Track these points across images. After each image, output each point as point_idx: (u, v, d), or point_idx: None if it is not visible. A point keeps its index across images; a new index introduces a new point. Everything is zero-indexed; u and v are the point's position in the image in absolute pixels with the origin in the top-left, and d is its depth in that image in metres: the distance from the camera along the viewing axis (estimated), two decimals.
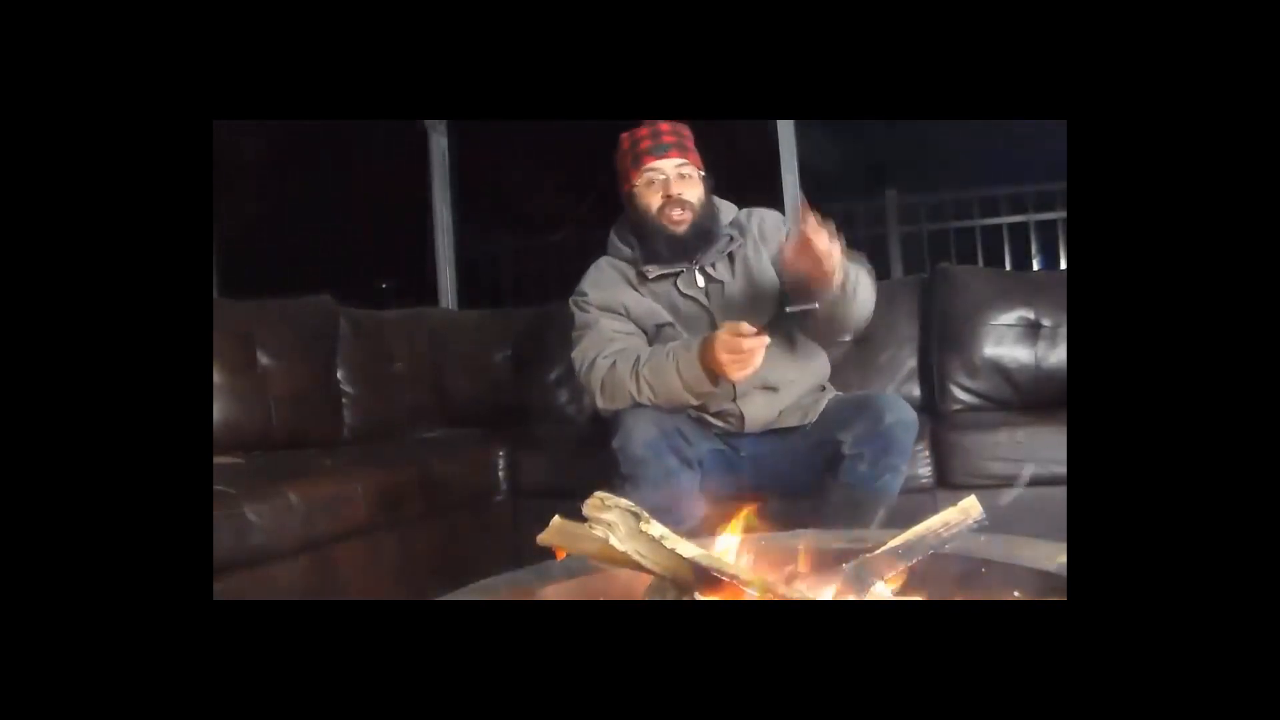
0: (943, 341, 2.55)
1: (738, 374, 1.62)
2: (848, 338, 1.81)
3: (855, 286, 1.67)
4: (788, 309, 1.59)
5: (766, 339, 1.59)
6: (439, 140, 3.58)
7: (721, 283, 1.84)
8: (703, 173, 1.86)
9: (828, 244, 1.54)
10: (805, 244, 1.54)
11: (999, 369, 2.49)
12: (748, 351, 1.58)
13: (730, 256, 1.86)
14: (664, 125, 1.84)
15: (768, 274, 1.84)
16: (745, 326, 1.59)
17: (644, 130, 1.84)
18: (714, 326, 1.76)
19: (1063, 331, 2.44)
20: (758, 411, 1.81)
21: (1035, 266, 4.27)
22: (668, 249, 1.82)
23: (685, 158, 1.83)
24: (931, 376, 2.57)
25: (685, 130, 1.87)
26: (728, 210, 1.94)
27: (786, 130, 3.20)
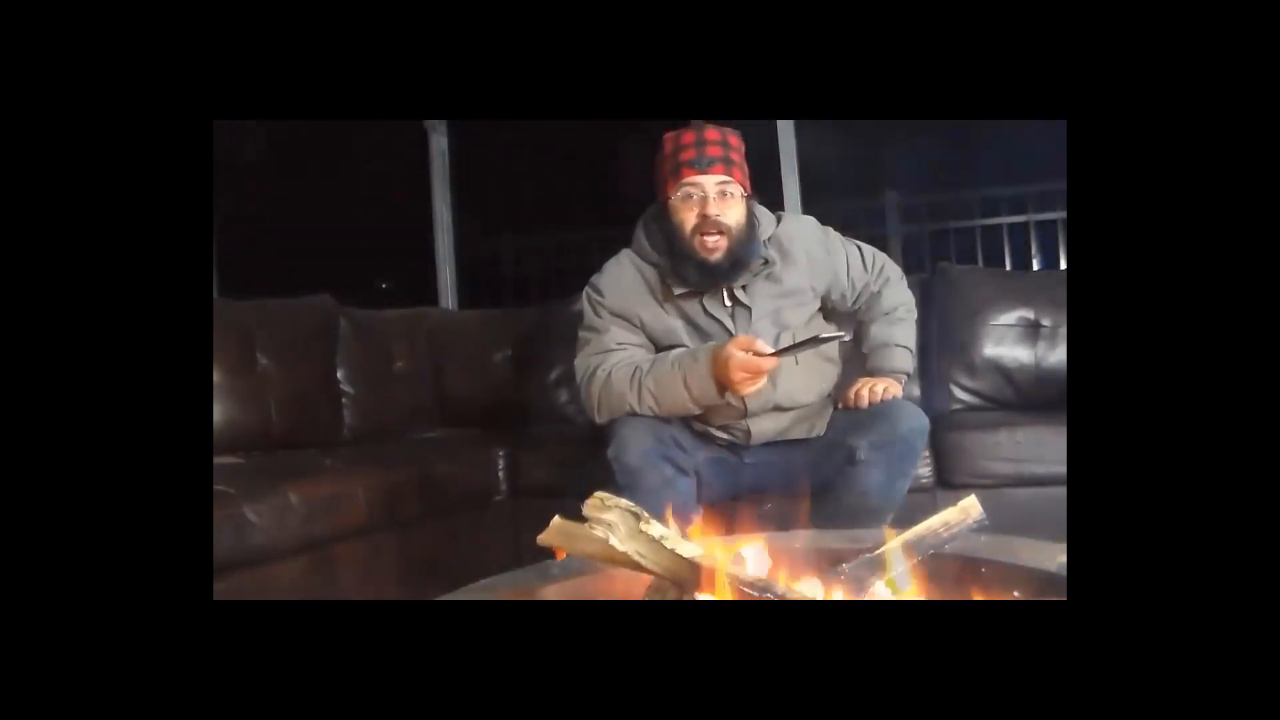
0: (943, 341, 2.55)
1: (747, 390, 1.58)
2: None
3: (914, 346, 1.91)
4: (821, 336, 1.53)
5: (779, 361, 1.55)
6: (439, 140, 3.58)
7: (749, 308, 1.74)
8: (747, 191, 1.72)
9: (874, 395, 1.79)
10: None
11: (999, 369, 2.49)
12: (763, 371, 1.55)
13: (760, 276, 1.75)
14: (712, 133, 1.69)
15: (796, 296, 1.77)
16: (760, 344, 1.55)
17: (689, 136, 1.69)
18: None
19: (1063, 331, 2.44)
20: (765, 427, 1.77)
21: (1035, 266, 4.26)
22: (697, 275, 1.70)
23: (729, 174, 1.67)
24: (931, 376, 2.57)
25: (734, 140, 1.72)
26: (766, 221, 1.79)
27: (786, 130, 3.20)
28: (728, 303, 1.74)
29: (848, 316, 1.93)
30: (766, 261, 1.75)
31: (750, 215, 1.73)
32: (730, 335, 1.72)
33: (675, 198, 1.69)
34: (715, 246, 1.67)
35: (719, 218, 1.66)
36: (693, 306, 1.75)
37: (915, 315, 1.95)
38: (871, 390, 1.79)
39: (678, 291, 1.74)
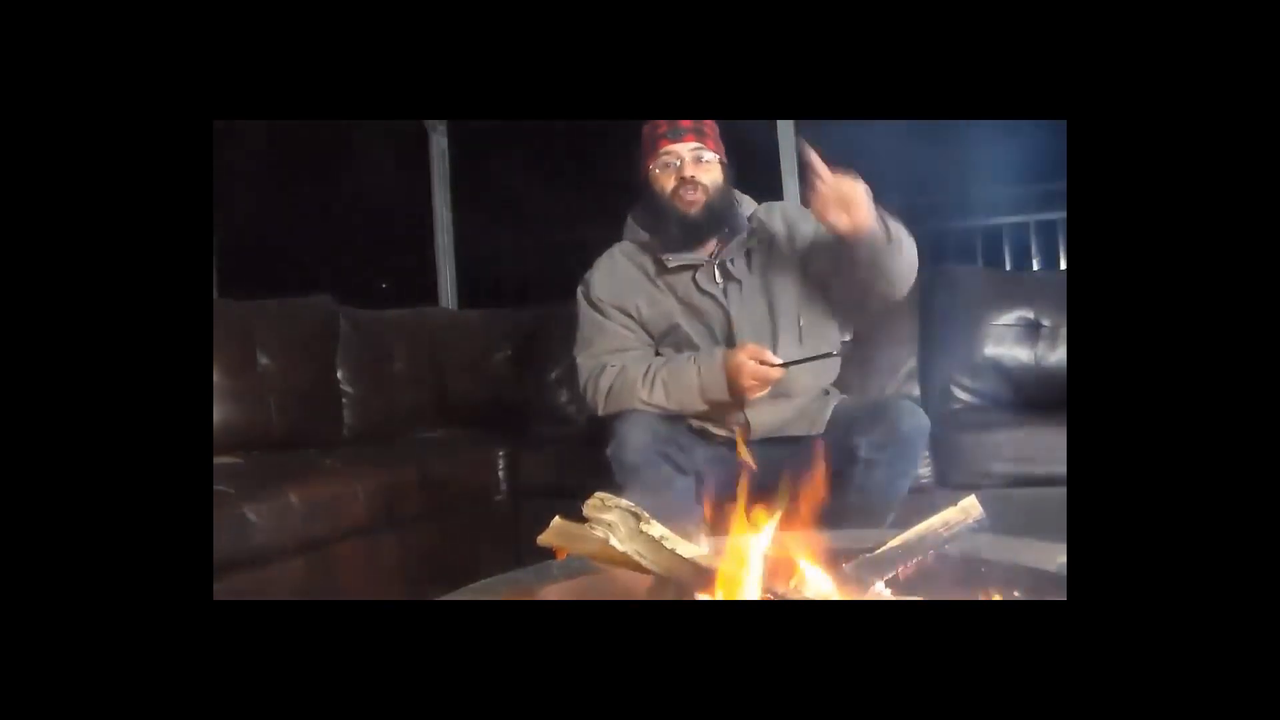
0: (943, 341, 2.55)
1: (755, 396, 1.69)
2: (898, 297, 1.73)
3: (900, 236, 1.62)
4: (834, 352, 1.67)
5: (785, 371, 1.65)
6: (439, 140, 3.58)
7: (740, 282, 1.80)
8: (723, 160, 1.82)
9: (846, 187, 1.53)
10: (825, 192, 1.53)
11: (999, 369, 2.49)
12: (772, 380, 1.65)
13: (749, 254, 1.83)
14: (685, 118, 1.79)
15: (787, 272, 1.82)
16: (769, 355, 1.64)
17: (664, 120, 1.80)
18: (729, 326, 1.77)
19: (1063, 331, 2.44)
20: (764, 418, 1.79)
21: (1035, 266, 4.26)
22: (681, 231, 1.79)
23: (701, 141, 1.78)
24: (931, 376, 2.57)
25: (709, 123, 1.82)
26: (746, 205, 1.89)
27: (786, 130, 3.20)
28: (719, 279, 1.80)
29: (848, 313, 1.93)
30: (752, 233, 1.83)
31: (728, 180, 1.83)
32: (723, 308, 1.80)
33: (654, 168, 1.80)
34: (694, 200, 1.77)
35: (695, 177, 1.77)
36: (685, 285, 1.82)
37: (908, 249, 1.69)
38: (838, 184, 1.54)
39: (671, 265, 1.81)
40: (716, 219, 1.80)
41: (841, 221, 1.54)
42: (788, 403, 1.79)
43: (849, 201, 1.53)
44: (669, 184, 1.78)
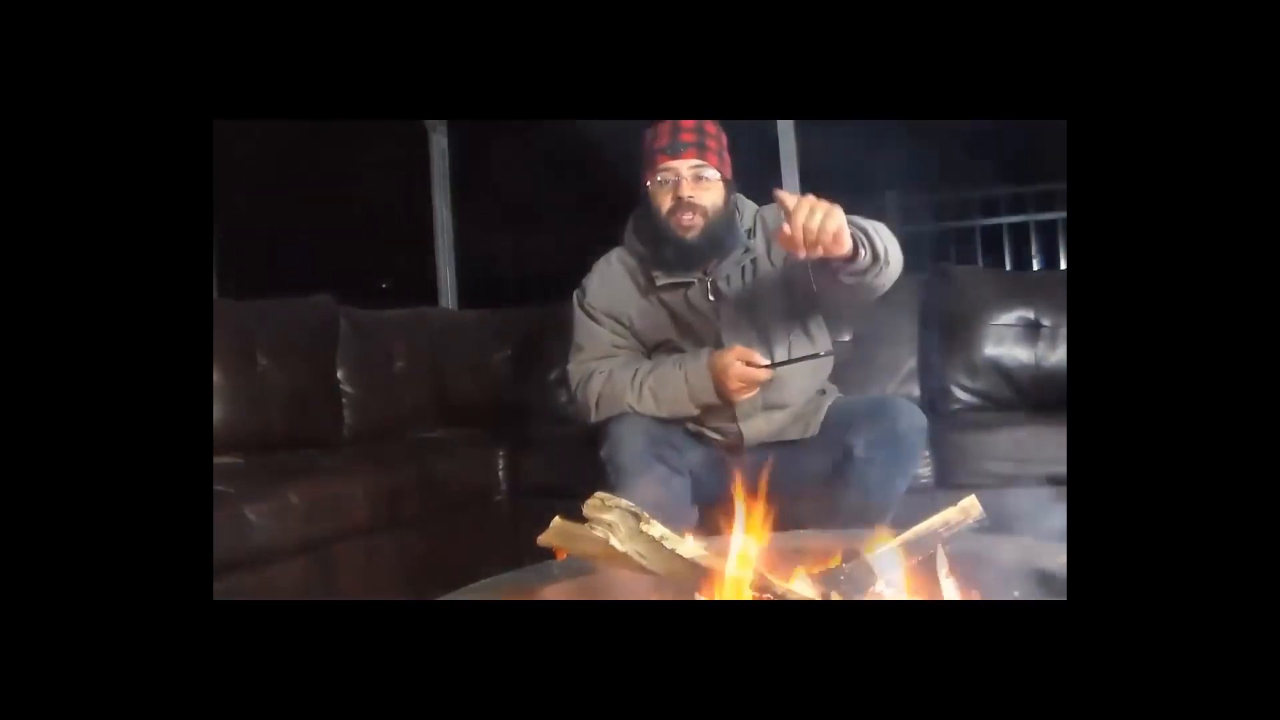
0: (943, 341, 2.55)
1: (742, 399, 1.67)
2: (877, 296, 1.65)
3: (886, 252, 1.53)
4: (821, 353, 1.64)
5: (773, 373, 1.64)
6: (439, 140, 3.57)
7: (732, 298, 1.76)
8: (726, 177, 1.74)
9: (813, 219, 1.40)
10: (794, 230, 1.41)
11: (999, 369, 2.48)
12: (759, 382, 1.64)
13: (743, 268, 1.78)
14: (687, 123, 1.71)
15: (779, 283, 1.78)
16: (756, 356, 1.63)
17: (665, 127, 1.73)
18: (721, 342, 1.74)
19: (1063, 331, 2.44)
20: (758, 429, 1.77)
21: (1035, 266, 4.26)
22: (675, 255, 1.74)
23: (703, 158, 1.70)
24: (931, 376, 2.57)
25: (712, 130, 1.74)
26: (747, 211, 1.83)
27: (786, 130, 3.20)
28: (711, 296, 1.77)
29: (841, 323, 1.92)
30: (747, 250, 1.78)
31: (729, 200, 1.76)
32: (715, 327, 1.76)
33: (653, 184, 1.74)
34: (690, 225, 1.70)
35: (693, 199, 1.70)
36: (678, 300, 1.79)
37: (895, 261, 1.60)
38: (811, 212, 1.41)
39: (662, 283, 1.77)
40: (714, 242, 1.73)
41: (815, 254, 1.44)
42: (781, 412, 1.78)
43: (819, 236, 1.41)
44: (666, 203, 1.71)
